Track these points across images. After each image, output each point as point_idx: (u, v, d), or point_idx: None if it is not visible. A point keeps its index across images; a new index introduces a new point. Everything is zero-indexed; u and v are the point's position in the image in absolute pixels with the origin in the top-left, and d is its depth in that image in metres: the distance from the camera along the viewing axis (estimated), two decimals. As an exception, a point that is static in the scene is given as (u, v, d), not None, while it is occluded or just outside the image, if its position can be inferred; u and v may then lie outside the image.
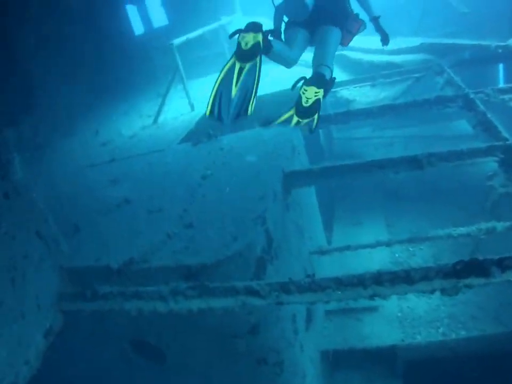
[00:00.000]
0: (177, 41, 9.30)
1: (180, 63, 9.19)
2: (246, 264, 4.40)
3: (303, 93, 5.48)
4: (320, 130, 9.08)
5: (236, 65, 5.40)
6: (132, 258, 4.56)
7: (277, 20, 6.58)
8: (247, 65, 5.35)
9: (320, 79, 5.60)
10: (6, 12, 10.75)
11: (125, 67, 14.52)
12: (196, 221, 4.92)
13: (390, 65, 9.95)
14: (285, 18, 6.54)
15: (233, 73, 5.40)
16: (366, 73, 9.84)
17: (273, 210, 4.91)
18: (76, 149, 9.82)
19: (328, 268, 7.28)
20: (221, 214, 4.89)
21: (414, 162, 5.36)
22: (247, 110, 5.52)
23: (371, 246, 6.54)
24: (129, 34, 15.53)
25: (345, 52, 10.84)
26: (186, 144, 7.29)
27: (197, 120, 8.70)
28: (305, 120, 5.58)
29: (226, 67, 5.50)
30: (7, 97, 10.91)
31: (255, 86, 5.44)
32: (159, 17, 15.87)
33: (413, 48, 10.39)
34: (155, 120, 9.51)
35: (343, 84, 9.68)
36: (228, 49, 12.64)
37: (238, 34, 5.38)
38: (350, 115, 7.17)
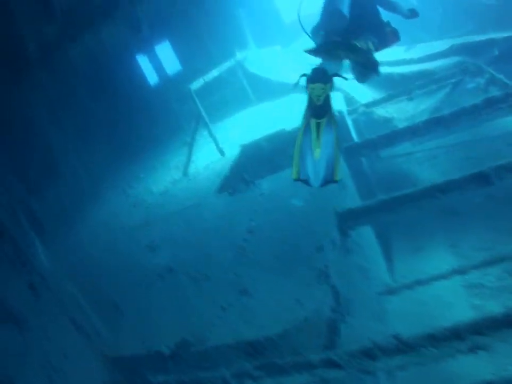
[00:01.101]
0: (194, 85, 8.81)
1: (201, 107, 8.67)
2: (316, 330, 3.79)
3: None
4: (363, 158, 8.49)
5: (312, 122, 5.00)
6: (185, 340, 4.00)
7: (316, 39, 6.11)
8: (324, 120, 4.99)
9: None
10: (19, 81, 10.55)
11: (145, 121, 14.18)
12: (250, 285, 4.34)
13: (423, 74, 9.33)
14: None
15: (311, 132, 4.98)
16: (399, 87, 9.23)
17: (334, 261, 4.30)
18: (105, 213, 9.39)
19: (399, 307, 6.60)
20: (277, 274, 4.30)
21: (481, 179, 4.72)
22: (334, 175, 4.91)
23: (443, 277, 5.87)
24: (144, 86, 15.21)
25: (373, 67, 10.30)
26: (223, 195, 6.75)
27: (229, 166, 8.12)
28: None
29: (303, 126, 5.03)
30: (29, 168, 10.67)
31: (335, 144, 4.94)
32: (171, 64, 15.49)
33: (443, 52, 9.76)
34: (185, 172, 8.98)
35: (377, 102, 9.10)
36: (248, 84, 12.19)
37: (307, 86, 4.96)
38: (395, 136, 6.57)
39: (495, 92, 7.14)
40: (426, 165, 11.00)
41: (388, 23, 5.81)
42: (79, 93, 12.89)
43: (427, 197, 4.76)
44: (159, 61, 15.25)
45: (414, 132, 6.51)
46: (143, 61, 15.35)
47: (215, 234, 5.69)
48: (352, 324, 4.30)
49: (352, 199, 5.77)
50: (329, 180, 4.87)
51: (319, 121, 4.96)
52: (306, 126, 5.00)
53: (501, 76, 7.36)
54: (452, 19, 12.19)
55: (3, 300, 3.65)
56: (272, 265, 4.48)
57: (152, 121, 14.09)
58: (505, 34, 9.23)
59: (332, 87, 5.11)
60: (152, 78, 15.47)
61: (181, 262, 5.44)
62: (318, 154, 4.91)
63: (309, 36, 5.97)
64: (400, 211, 4.91)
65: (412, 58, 10.12)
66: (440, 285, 6.14)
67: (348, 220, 4.89)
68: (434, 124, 6.49)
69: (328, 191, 5.31)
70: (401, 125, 8.47)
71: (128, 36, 11.04)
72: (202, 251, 5.42)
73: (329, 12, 5.47)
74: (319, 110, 4.96)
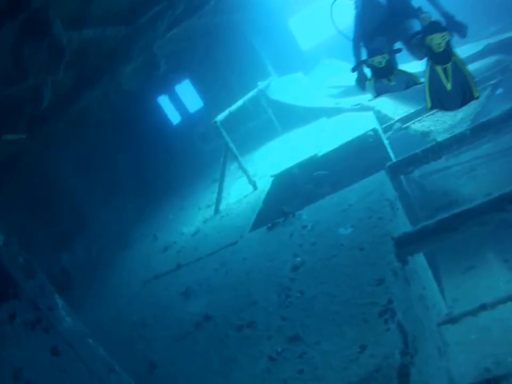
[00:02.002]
0: (220, 117, 8.30)
1: (228, 139, 8.15)
2: (386, 380, 3.17)
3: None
4: (402, 176, 7.89)
5: (438, 69, 5.68)
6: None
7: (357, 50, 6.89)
8: (449, 65, 5.61)
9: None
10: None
11: (170, 162, 13.83)
12: (302, 330, 3.74)
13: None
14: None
15: (440, 77, 5.71)
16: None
17: (398, 294, 3.69)
18: (136, 260, 8.91)
19: (460, 337, 5.92)
20: (333, 315, 3.70)
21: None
22: (473, 92, 5.74)
23: (503, 297, 5.18)
24: (167, 127, 14.92)
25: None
26: (261, 230, 6.18)
27: (263, 198, 7.56)
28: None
29: (427, 75, 5.79)
30: (59, 225, 10.44)
31: (467, 74, 5.69)
32: (192, 102, 15.18)
33: (477, 54, 9.18)
34: (216, 210, 8.43)
35: (412, 116, 8.52)
36: (273, 114, 11.71)
37: (424, 38, 5.62)
38: (440, 149, 5.96)
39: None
40: (465, 178, 10.32)
41: (420, 9, 6.33)
42: (102, 143, 12.69)
43: (495, 210, 4.14)
44: (180, 100, 15.01)
45: (460, 141, 5.90)
46: (164, 102, 15.13)
47: (256, 275, 5.10)
48: (420, 365, 3.68)
49: (403, 223, 5.17)
50: (468, 99, 5.68)
51: (444, 66, 5.58)
52: (432, 72, 5.65)
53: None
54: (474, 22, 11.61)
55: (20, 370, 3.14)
56: (325, 305, 3.88)
57: (177, 162, 13.78)
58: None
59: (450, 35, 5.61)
60: (174, 118, 15.24)
61: (219, 308, 4.88)
62: (450, 86, 5.59)
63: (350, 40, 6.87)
64: (464, 229, 4.28)
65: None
66: (501, 307, 5.45)
67: (407, 245, 4.27)
68: (482, 130, 5.88)
69: (382, 219, 4.76)
70: (440, 137, 7.91)
71: (147, 76, 10.69)
72: (242, 295, 4.85)
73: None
74: (441, 56, 5.54)
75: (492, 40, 9.23)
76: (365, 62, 6.60)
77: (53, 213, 10.50)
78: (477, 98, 5.75)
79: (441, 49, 5.51)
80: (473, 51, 9.34)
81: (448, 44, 5.52)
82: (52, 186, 10.75)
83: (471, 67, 8.90)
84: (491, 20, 11.47)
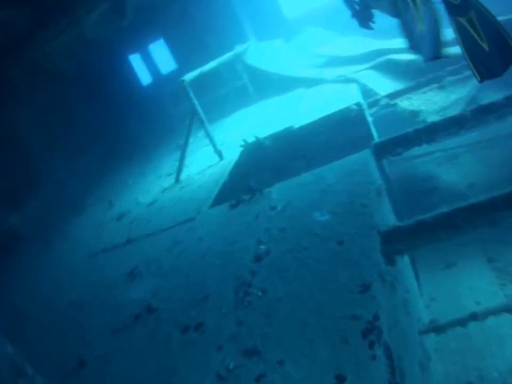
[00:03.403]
0: (189, 76, 7.40)
1: (196, 102, 7.25)
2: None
3: None
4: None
5: (462, 22, 4.88)
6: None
7: None
8: (473, 16, 4.83)
9: None
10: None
11: (137, 124, 12.95)
12: (262, 342, 2.96)
13: (454, 58, 7.93)
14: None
15: (470, 32, 4.88)
16: (425, 76, 7.86)
17: (385, 306, 2.91)
18: (88, 228, 8.09)
19: (441, 346, 5.19)
20: (302, 326, 2.92)
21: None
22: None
23: (508, 310, 4.46)
24: (136, 87, 14.02)
25: (392, 56, 8.93)
26: (223, 207, 5.38)
27: (229, 170, 6.73)
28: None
29: (457, 33, 4.94)
30: (8, 181, 9.55)
31: (499, 25, 4.76)
32: (166, 62, 14.26)
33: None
34: (177, 179, 7.57)
35: (401, 93, 7.74)
36: (249, 80, 10.84)
37: None
38: (436, 130, 5.20)
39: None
40: (447, 165, 9.69)
41: None
42: (64, 97, 11.79)
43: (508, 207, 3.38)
44: (152, 60, 14.17)
45: (461, 123, 5.14)
46: (136, 61, 14.28)
47: (212, 260, 4.30)
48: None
49: (390, 213, 4.39)
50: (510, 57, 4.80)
51: (468, 16, 4.77)
52: (459, 28, 4.80)
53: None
54: None
55: None
56: (292, 311, 3.10)
57: (145, 125, 12.95)
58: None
59: None
60: (145, 78, 14.43)
61: (165, 298, 4.09)
62: (487, 46, 4.77)
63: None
64: (469, 229, 3.50)
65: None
66: (484, 313, 4.78)
67: (396, 242, 3.49)
68: (485, 112, 5.13)
69: (359, 199, 4.00)
70: (430, 118, 7.18)
71: (114, 26, 9.78)
72: (194, 283, 4.06)
73: None
74: (461, 5, 4.81)
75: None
76: None
77: (2, 166, 9.58)
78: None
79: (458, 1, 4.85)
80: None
81: None
82: (2, 136, 9.81)
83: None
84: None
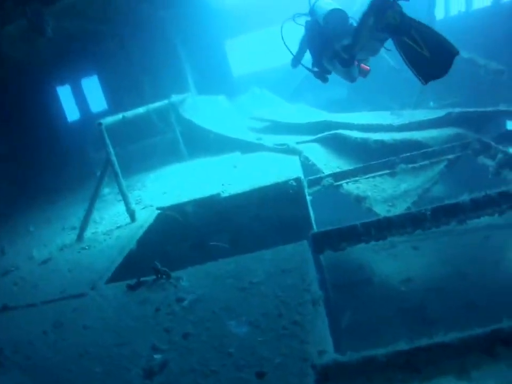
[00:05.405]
0: (108, 120, 6.39)
1: (111, 151, 6.20)
2: None
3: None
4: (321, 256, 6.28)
5: (406, 41, 5.37)
6: None
7: None
8: (414, 33, 5.33)
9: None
10: None
11: (52, 160, 11.78)
12: None
13: (409, 144, 7.33)
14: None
15: (412, 47, 5.35)
16: (375, 158, 7.22)
17: None
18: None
19: None
20: None
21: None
22: (453, 49, 5.34)
23: None
24: (60, 121, 12.94)
25: (341, 131, 8.26)
26: (121, 286, 4.37)
27: (139, 236, 5.72)
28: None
29: (401, 52, 5.47)
30: None
31: (435, 33, 5.37)
32: (97, 100, 13.30)
33: (436, 121, 7.86)
34: (79, 236, 6.44)
35: (348, 174, 7.05)
36: (182, 135, 9.94)
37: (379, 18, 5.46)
38: (389, 226, 4.43)
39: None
40: (383, 254, 9.06)
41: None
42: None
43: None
44: (83, 95, 13.20)
45: (418, 222, 4.39)
46: (63, 92, 13.26)
47: (91, 366, 3.26)
48: None
49: (326, 336, 3.45)
50: (450, 55, 5.33)
51: (410, 35, 5.34)
52: (402, 46, 5.41)
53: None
54: (433, 89, 10.44)
55: None
56: None
57: (62, 164, 11.81)
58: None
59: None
60: (72, 113, 13.38)
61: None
62: (427, 52, 5.33)
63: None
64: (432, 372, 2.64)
65: (391, 124, 8.16)
66: None
67: (336, 382, 2.59)
68: (447, 215, 4.41)
69: (290, 312, 3.11)
70: (377, 207, 6.52)
71: (34, 44, 8.83)
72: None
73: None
74: (402, 25, 5.32)
75: (455, 110, 7.95)
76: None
77: None
78: (457, 53, 5.33)
79: (398, 20, 5.36)
80: (430, 117, 8.06)
81: (402, 13, 5.37)
82: None
83: (427, 134, 7.62)
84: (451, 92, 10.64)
